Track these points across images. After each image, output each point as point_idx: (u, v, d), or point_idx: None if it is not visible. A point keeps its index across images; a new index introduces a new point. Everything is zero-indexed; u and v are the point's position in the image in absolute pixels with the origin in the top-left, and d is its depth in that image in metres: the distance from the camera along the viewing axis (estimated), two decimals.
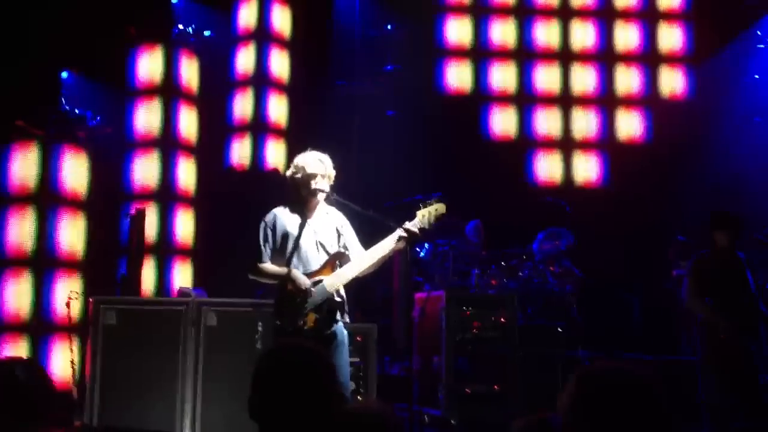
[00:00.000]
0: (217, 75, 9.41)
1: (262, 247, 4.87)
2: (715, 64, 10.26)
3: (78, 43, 8.49)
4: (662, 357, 7.47)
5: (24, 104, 8.09)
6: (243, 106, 9.43)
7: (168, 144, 8.68)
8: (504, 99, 10.34)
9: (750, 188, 9.17)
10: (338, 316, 4.78)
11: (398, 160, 9.01)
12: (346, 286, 4.89)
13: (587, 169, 10.30)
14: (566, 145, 10.32)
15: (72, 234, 7.81)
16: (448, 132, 9.79)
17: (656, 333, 8.41)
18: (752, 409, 5.75)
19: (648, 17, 10.57)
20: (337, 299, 4.80)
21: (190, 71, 8.96)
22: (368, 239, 4.97)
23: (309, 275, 4.76)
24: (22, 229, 7.61)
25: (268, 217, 4.95)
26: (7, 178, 7.73)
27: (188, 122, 8.89)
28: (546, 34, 10.45)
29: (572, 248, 8.10)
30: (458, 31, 10.38)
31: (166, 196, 8.62)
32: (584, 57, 10.47)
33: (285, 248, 4.86)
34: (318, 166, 4.88)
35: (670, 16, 10.59)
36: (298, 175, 4.88)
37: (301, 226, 4.87)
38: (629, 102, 10.46)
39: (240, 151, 9.36)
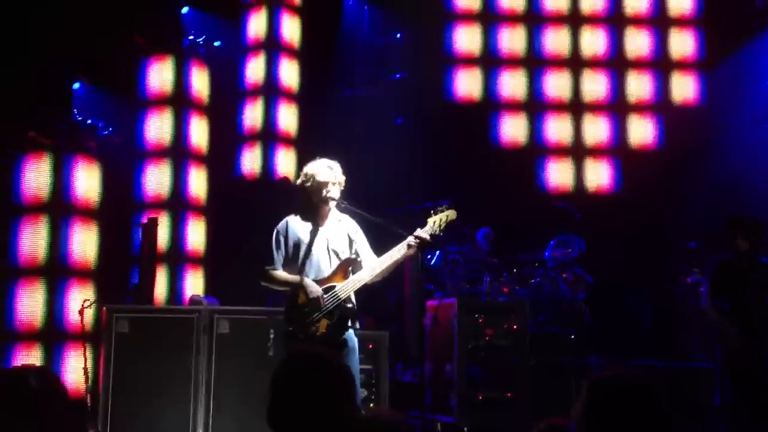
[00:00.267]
0: (227, 84, 9.45)
1: (275, 255, 4.90)
2: (726, 70, 10.21)
3: (89, 53, 8.55)
4: (674, 364, 7.43)
5: (36, 115, 8.14)
6: (253, 115, 9.46)
7: (179, 153, 8.72)
8: (514, 106, 10.32)
9: (763, 194, 9.12)
10: (349, 323, 4.79)
11: (407, 168, 9.01)
12: (357, 294, 4.90)
13: (599, 175, 10.26)
14: (577, 151, 10.29)
15: (84, 243, 7.86)
16: (457, 140, 9.78)
17: (668, 339, 8.37)
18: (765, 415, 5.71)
19: (659, 23, 10.53)
20: (349, 306, 4.81)
21: (200, 81, 9.00)
22: (379, 247, 4.98)
23: (321, 282, 4.78)
24: (35, 239, 7.66)
25: (281, 225, 4.98)
26: (19, 189, 7.79)
27: (199, 131, 8.92)
28: (556, 40, 10.42)
29: (584, 255, 8.07)
30: (467, 38, 10.37)
31: (178, 204, 8.65)
32: (595, 63, 10.44)
33: (297, 256, 4.88)
34: (328, 173, 4.90)
35: (681, 21, 10.55)
36: (309, 184, 4.91)
37: (314, 234, 4.89)
38: (641, 108, 10.41)
39: (250, 160, 9.39)
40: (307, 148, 8.73)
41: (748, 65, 10.11)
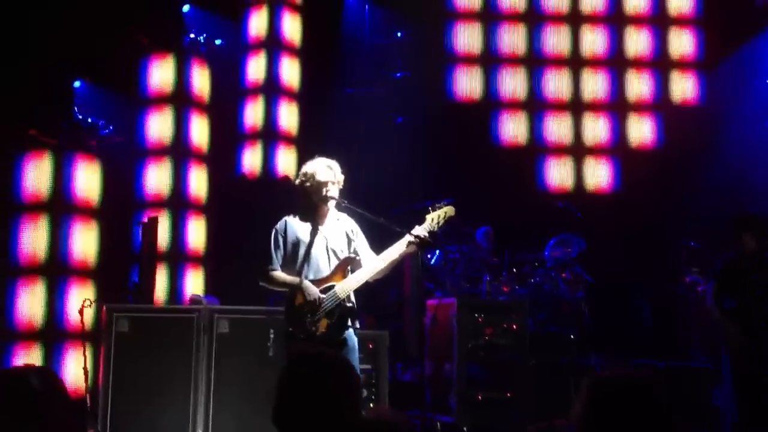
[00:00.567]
0: (228, 83, 9.45)
1: (273, 255, 4.89)
2: (726, 69, 10.22)
3: (90, 52, 8.55)
4: (674, 363, 7.44)
5: (37, 114, 8.15)
6: (254, 113, 9.46)
7: (179, 152, 8.72)
8: (514, 105, 10.33)
9: (763, 193, 9.13)
10: (349, 322, 4.80)
11: (408, 167, 9.01)
12: (357, 293, 4.91)
13: (598, 174, 10.27)
14: (577, 151, 10.30)
15: (84, 242, 7.87)
16: (458, 139, 9.79)
17: (668, 339, 8.37)
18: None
19: (659, 22, 10.54)
20: (348, 305, 4.81)
21: (201, 80, 9.01)
22: (379, 245, 4.99)
23: (320, 281, 4.79)
24: (36, 238, 7.67)
25: (279, 225, 4.98)
26: (20, 187, 7.79)
27: (200, 130, 8.93)
28: (556, 40, 10.43)
29: (583, 254, 8.08)
30: (468, 37, 10.37)
31: (178, 203, 8.65)
32: (595, 63, 10.45)
33: (296, 256, 4.88)
34: (328, 173, 4.90)
35: (680, 21, 10.56)
36: (309, 183, 4.91)
37: (313, 234, 4.90)
38: (640, 107, 10.42)
39: (251, 159, 9.39)
40: (307, 147, 8.73)
41: (748, 64, 10.12)
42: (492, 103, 10.31)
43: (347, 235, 4.97)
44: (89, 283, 7.81)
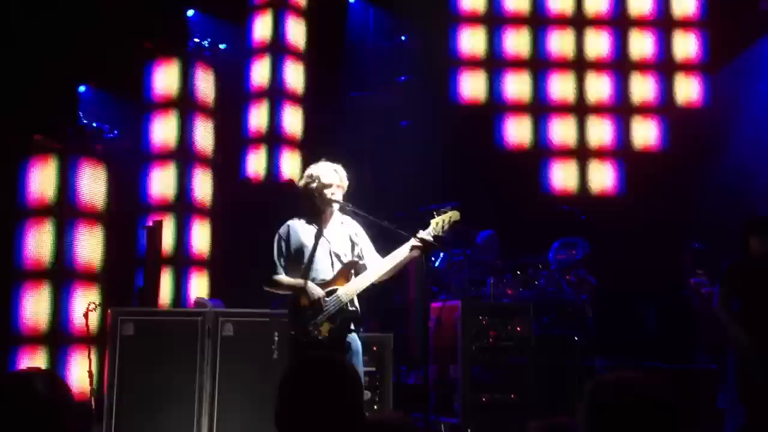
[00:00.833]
0: (233, 87, 9.47)
1: (276, 260, 4.89)
2: (731, 72, 10.21)
3: (95, 57, 8.58)
4: (679, 365, 7.43)
5: (42, 118, 8.17)
6: (258, 117, 9.48)
7: (184, 156, 8.74)
8: (519, 108, 10.33)
9: (767, 196, 9.11)
10: (352, 326, 4.80)
11: (412, 170, 9.01)
12: (362, 296, 4.91)
13: (603, 177, 10.27)
14: (582, 153, 10.29)
15: (90, 246, 7.88)
16: (462, 142, 9.78)
17: (673, 341, 8.36)
18: None
19: (663, 25, 10.52)
20: (351, 309, 4.81)
21: (205, 84, 9.02)
22: (383, 249, 4.99)
23: (323, 286, 4.79)
24: (41, 242, 7.69)
25: (282, 230, 4.98)
26: (25, 192, 7.81)
27: (204, 134, 8.94)
28: (560, 42, 10.43)
29: (588, 257, 8.07)
30: (472, 40, 10.37)
31: (183, 207, 8.66)
32: (599, 65, 10.44)
33: (299, 260, 4.88)
34: (333, 176, 4.91)
35: (685, 23, 10.54)
36: (314, 185, 4.91)
37: (316, 237, 4.90)
38: (645, 110, 10.41)
39: (255, 163, 9.41)
40: (312, 150, 8.74)
41: (753, 67, 10.10)
42: (496, 106, 10.31)
43: (351, 239, 4.97)
44: (94, 286, 7.83)
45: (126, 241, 8.38)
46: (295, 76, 9.63)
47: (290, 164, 9.42)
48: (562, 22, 10.47)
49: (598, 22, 10.50)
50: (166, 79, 8.82)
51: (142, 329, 6.05)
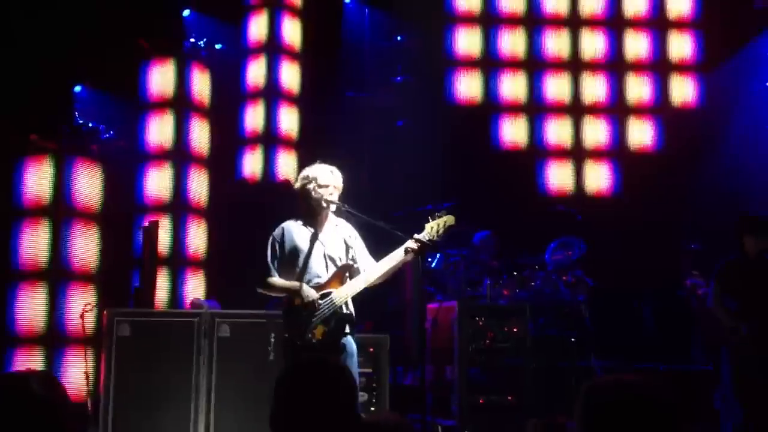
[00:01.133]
0: (229, 87, 9.46)
1: (270, 263, 4.87)
2: (725, 72, 10.22)
3: (91, 57, 8.57)
4: (675, 366, 7.43)
5: (38, 118, 8.16)
6: (254, 117, 9.47)
7: (180, 156, 8.73)
8: (514, 108, 10.34)
9: (763, 196, 9.13)
10: (347, 329, 4.78)
11: (408, 170, 9.02)
12: (358, 297, 4.90)
13: (598, 178, 10.27)
14: (577, 154, 10.30)
15: (86, 246, 7.88)
16: (458, 142, 9.79)
17: (669, 342, 8.37)
18: None
19: (658, 25, 10.54)
20: (345, 312, 4.79)
21: (201, 84, 9.02)
22: (378, 250, 4.98)
23: (317, 288, 4.77)
24: (37, 242, 7.68)
25: (277, 232, 4.96)
26: (21, 192, 7.80)
27: (200, 134, 8.94)
28: (556, 43, 10.43)
29: (584, 257, 8.08)
30: (468, 41, 10.38)
31: (179, 208, 8.66)
32: (594, 66, 10.45)
33: (294, 262, 4.86)
34: (329, 177, 4.89)
35: (680, 24, 10.56)
36: (310, 186, 4.89)
37: (311, 240, 4.88)
38: (640, 110, 10.42)
39: (252, 163, 9.40)
40: (308, 151, 8.74)
41: (747, 67, 10.12)
42: (492, 107, 10.31)
43: (345, 242, 4.95)
44: (90, 287, 7.82)
45: (122, 242, 8.37)
46: (290, 76, 9.62)
47: (286, 164, 9.41)
48: (557, 22, 10.48)
49: (593, 22, 10.51)
50: (161, 79, 8.82)
51: (139, 330, 6.04)
